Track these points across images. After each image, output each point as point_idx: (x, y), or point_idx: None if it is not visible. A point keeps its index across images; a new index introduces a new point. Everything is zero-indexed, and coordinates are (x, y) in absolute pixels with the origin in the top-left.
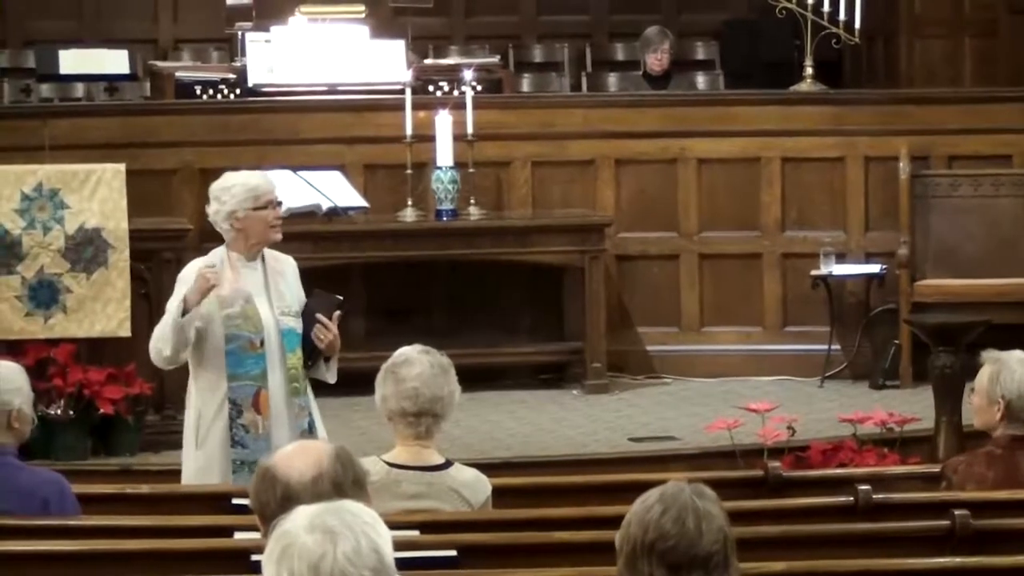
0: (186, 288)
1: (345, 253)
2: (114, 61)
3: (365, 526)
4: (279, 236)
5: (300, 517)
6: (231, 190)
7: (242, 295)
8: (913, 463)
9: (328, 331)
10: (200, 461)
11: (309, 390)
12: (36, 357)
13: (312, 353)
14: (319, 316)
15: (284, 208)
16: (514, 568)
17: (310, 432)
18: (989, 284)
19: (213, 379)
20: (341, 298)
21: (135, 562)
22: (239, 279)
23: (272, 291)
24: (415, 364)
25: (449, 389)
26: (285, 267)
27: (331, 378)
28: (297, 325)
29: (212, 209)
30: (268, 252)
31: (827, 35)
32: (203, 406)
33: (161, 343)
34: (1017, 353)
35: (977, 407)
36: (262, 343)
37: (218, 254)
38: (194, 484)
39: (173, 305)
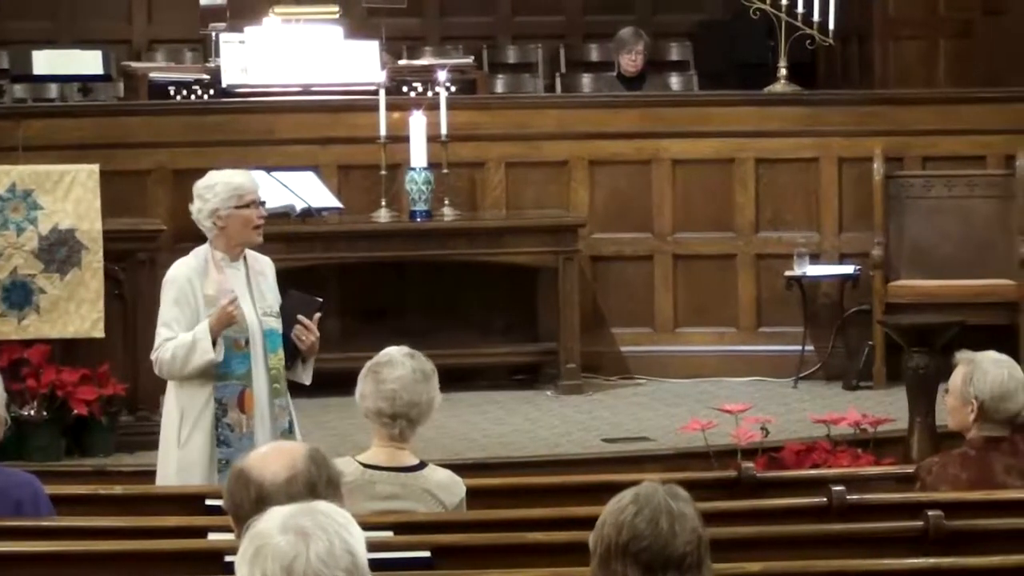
0: (176, 293)
1: (319, 254)
2: (88, 62)
3: (339, 527)
4: (260, 239)
5: (273, 518)
6: (214, 188)
7: (227, 295)
8: (887, 464)
9: (310, 332)
10: (182, 461)
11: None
12: (9, 358)
13: (291, 354)
14: (300, 317)
15: None
16: (488, 569)
17: (289, 432)
18: (963, 285)
19: (199, 378)
20: (321, 299)
21: (109, 563)
22: (225, 279)
23: (255, 292)
24: (397, 366)
25: (428, 396)
26: (265, 268)
27: (306, 379)
28: (278, 326)
29: (195, 207)
30: (248, 252)
31: (801, 36)
32: (187, 405)
33: (177, 366)
34: (991, 354)
35: (951, 408)
36: (247, 343)
37: (201, 253)
38: (171, 485)
39: (192, 335)
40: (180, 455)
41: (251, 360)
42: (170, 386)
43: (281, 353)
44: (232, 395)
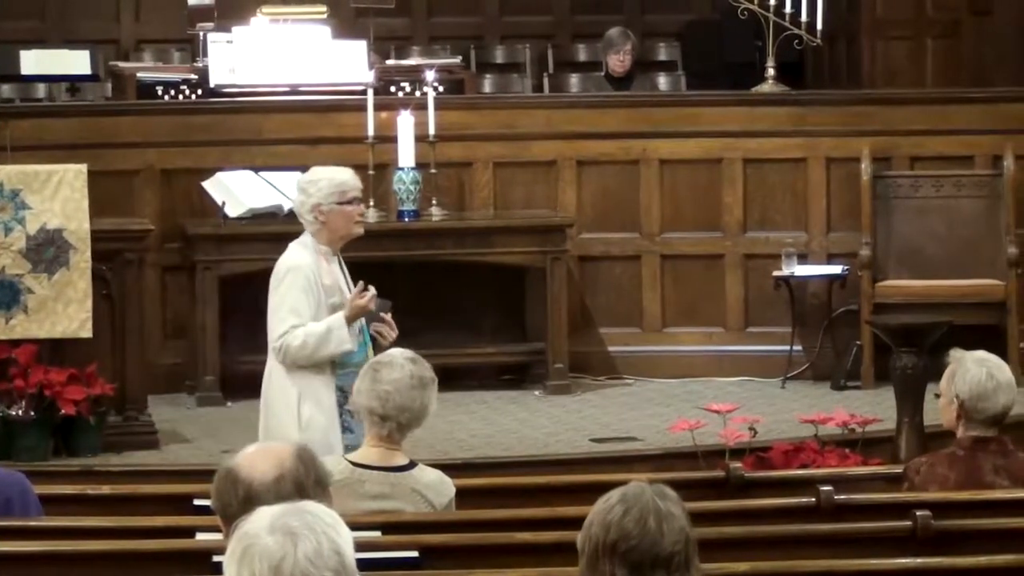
0: (304, 282)
1: None
2: (76, 61)
3: (326, 527)
4: (361, 230)
5: (261, 518)
6: (318, 183)
7: (364, 291)
8: (875, 464)
9: (392, 330)
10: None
11: None
12: None
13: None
14: (383, 315)
15: (246, 209)
16: (476, 569)
17: None
18: (950, 285)
19: (320, 364)
20: (390, 302)
21: (97, 563)
22: (332, 271)
23: (349, 288)
24: (395, 369)
25: (421, 403)
26: (345, 268)
27: None
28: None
29: (298, 201)
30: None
31: (789, 36)
32: (305, 389)
33: (306, 353)
34: (978, 353)
35: (941, 407)
36: (360, 332)
37: (309, 244)
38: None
39: (327, 325)
40: (302, 438)
41: (360, 350)
42: (279, 373)
43: (371, 346)
44: (352, 383)
